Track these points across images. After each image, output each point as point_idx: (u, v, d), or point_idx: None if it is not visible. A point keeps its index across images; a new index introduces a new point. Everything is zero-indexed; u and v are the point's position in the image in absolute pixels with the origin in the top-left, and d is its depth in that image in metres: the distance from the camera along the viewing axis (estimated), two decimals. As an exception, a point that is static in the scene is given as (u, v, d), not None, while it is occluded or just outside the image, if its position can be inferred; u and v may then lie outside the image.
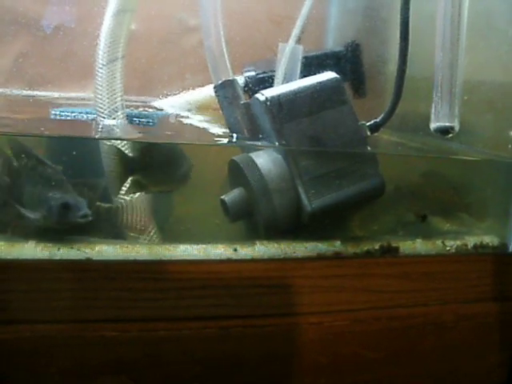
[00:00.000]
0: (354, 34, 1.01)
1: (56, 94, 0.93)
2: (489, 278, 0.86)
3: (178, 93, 0.91)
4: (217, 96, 0.79)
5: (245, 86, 0.90)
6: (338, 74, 0.80)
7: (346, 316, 0.79)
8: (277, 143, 0.76)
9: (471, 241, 0.87)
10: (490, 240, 0.88)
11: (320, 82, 0.78)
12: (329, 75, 0.79)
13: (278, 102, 0.75)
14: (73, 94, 0.95)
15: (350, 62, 0.96)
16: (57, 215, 0.71)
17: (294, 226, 0.79)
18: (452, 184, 0.96)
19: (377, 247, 0.82)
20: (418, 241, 0.85)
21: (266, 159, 0.78)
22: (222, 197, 0.80)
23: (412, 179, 0.96)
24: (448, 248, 0.86)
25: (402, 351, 0.82)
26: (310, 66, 0.86)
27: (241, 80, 0.90)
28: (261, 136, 0.78)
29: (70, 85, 0.94)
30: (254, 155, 0.79)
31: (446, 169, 0.96)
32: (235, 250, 0.76)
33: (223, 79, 0.78)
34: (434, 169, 0.97)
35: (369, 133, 0.79)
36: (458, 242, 0.87)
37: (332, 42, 1.09)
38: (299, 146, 0.76)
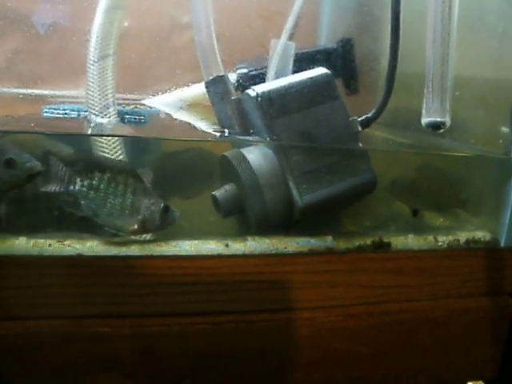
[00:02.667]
0: (347, 31, 1.01)
1: (49, 92, 0.93)
2: (481, 273, 0.86)
3: (170, 90, 0.91)
4: (208, 92, 0.79)
5: (237, 84, 0.90)
6: (330, 70, 0.80)
7: (339, 311, 0.79)
8: (268, 139, 0.76)
9: (463, 236, 0.88)
10: (481, 235, 0.88)
11: (311, 78, 0.78)
12: (319, 71, 0.79)
13: (268, 98, 0.75)
14: (66, 92, 0.94)
15: (342, 59, 0.96)
16: (159, 220, 0.73)
17: (286, 221, 0.79)
18: (446, 178, 0.96)
19: (369, 242, 0.83)
20: (410, 236, 0.85)
21: (257, 155, 0.78)
22: (214, 193, 0.80)
23: (404, 174, 0.96)
24: (440, 243, 0.86)
25: (394, 346, 0.82)
26: (303, 63, 0.86)
27: (233, 77, 0.91)
28: (252, 131, 0.78)
29: (63, 82, 0.93)
30: (245, 151, 0.79)
31: (439, 165, 0.96)
32: (227, 245, 0.76)
33: (214, 75, 0.78)
34: (428, 162, 0.97)
35: (360, 128, 0.79)
36: (450, 238, 0.87)
37: (325, 39, 1.08)
38: (290, 141, 0.76)
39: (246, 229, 0.81)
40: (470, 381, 0.89)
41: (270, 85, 0.77)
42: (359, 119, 0.79)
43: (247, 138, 0.79)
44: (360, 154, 0.80)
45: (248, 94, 0.76)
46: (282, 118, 0.75)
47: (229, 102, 0.79)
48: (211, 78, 0.78)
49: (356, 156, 0.80)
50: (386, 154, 0.92)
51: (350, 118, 0.79)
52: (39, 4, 0.84)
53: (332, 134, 0.78)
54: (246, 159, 0.77)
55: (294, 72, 0.84)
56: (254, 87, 0.76)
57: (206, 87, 0.79)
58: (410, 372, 0.85)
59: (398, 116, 0.94)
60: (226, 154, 0.80)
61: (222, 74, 0.78)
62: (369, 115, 0.79)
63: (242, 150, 0.79)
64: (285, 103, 0.76)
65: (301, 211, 0.77)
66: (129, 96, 0.91)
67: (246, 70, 0.91)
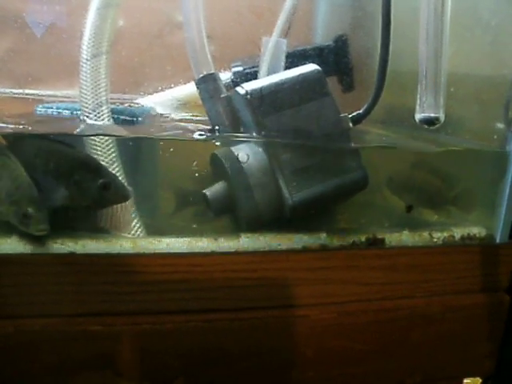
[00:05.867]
0: (342, 28, 1.00)
1: (43, 92, 0.93)
2: (476, 269, 0.85)
3: (163, 89, 0.92)
4: (198, 90, 0.79)
5: (232, 82, 0.90)
6: (325, 68, 0.80)
7: (333, 309, 0.79)
8: (258, 136, 0.76)
9: (458, 232, 0.87)
10: (477, 231, 0.88)
11: (301, 74, 0.77)
12: (309, 67, 0.78)
13: (258, 95, 0.75)
14: (62, 92, 0.94)
15: (338, 56, 0.96)
16: None
17: (277, 219, 0.79)
18: (441, 175, 0.96)
19: (363, 239, 0.82)
20: (405, 232, 0.85)
21: (247, 153, 0.78)
22: (204, 191, 0.80)
23: (399, 171, 0.96)
24: (435, 240, 0.86)
25: (389, 343, 0.82)
26: (298, 60, 0.86)
27: (228, 75, 0.91)
28: (242, 129, 0.78)
29: (58, 82, 0.94)
30: (235, 149, 0.79)
31: (434, 161, 0.96)
32: (219, 242, 0.76)
33: (204, 73, 0.78)
34: (423, 159, 0.97)
35: (351, 124, 0.78)
36: (445, 234, 0.86)
37: (320, 36, 1.08)
38: (280, 138, 0.76)
39: (238, 227, 0.81)
40: (467, 377, 0.89)
41: (259, 82, 0.77)
42: (350, 116, 0.78)
43: (237, 135, 0.79)
44: (351, 151, 0.80)
45: (237, 92, 0.75)
46: (272, 115, 0.75)
47: (219, 100, 0.78)
48: (201, 75, 0.78)
49: (347, 153, 0.80)
50: (380, 150, 0.92)
51: (341, 115, 0.78)
52: (31, 4, 0.84)
53: (323, 130, 0.77)
54: (235, 157, 0.77)
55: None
56: (243, 85, 0.75)
57: (197, 85, 0.79)
58: (405, 369, 0.85)
59: (394, 113, 0.94)
60: (216, 152, 0.80)
61: (212, 71, 0.78)
62: (360, 111, 0.78)
63: (232, 148, 0.79)
64: (274, 100, 0.75)
65: (291, 209, 0.77)
66: (122, 95, 0.91)
67: (241, 68, 0.91)
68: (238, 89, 0.75)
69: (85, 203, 0.74)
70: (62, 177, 0.73)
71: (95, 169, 0.74)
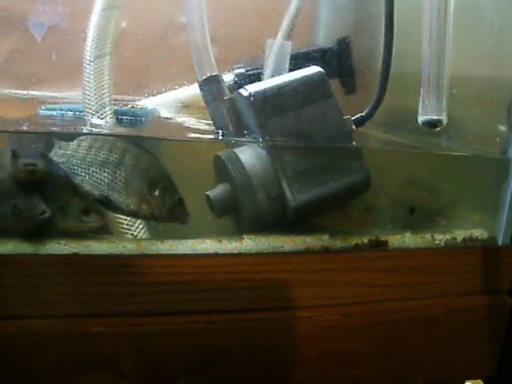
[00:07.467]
0: (345, 30, 1.01)
1: (48, 94, 0.94)
2: (478, 271, 0.85)
3: (166, 90, 0.92)
4: (202, 91, 0.79)
5: (234, 83, 0.90)
6: (328, 70, 0.80)
7: (336, 310, 0.79)
8: (261, 138, 0.76)
9: (460, 234, 0.87)
10: (479, 233, 0.88)
11: (304, 77, 0.78)
12: (313, 69, 0.78)
13: (261, 97, 0.75)
14: (66, 94, 0.95)
15: (340, 58, 0.96)
16: None
17: (279, 221, 0.79)
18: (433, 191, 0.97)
19: (365, 241, 0.82)
20: (407, 235, 0.85)
21: (249, 154, 0.78)
22: (207, 192, 0.80)
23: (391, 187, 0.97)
24: (437, 242, 0.86)
25: (391, 345, 0.82)
26: (301, 62, 0.86)
27: (230, 77, 0.91)
28: (245, 131, 0.78)
29: (62, 84, 0.94)
30: (237, 150, 0.79)
31: (435, 165, 0.96)
32: (223, 244, 0.76)
33: (208, 75, 0.78)
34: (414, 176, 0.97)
35: (354, 127, 0.78)
36: (447, 236, 0.87)
37: (323, 38, 1.08)
38: (283, 140, 0.76)
39: (241, 228, 0.81)
40: (469, 379, 0.89)
41: (262, 84, 0.77)
42: (353, 118, 0.79)
43: (241, 139, 0.79)
44: (353, 153, 0.80)
45: (241, 94, 0.76)
46: (275, 117, 0.75)
47: (222, 102, 0.79)
48: (205, 77, 0.78)
49: (349, 155, 0.80)
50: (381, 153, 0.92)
51: (344, 117, 0.78)
52: (35, 5, 0.84)
53: (325, 132, 0.78)
54: (238, 159, 0.77)
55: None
56: (246, 86, 0.76)
57: (200, 87, 0.79)
58: (407, 371, 0.85)
59: (396, 116, 0.95)
60: (219, 153, 0.80)
61: (215, 73, 0.78)
62: (363, 114, 0.79)
63: (235, 149, 0.79)
64: (278, 102, 0.75)
65: (294, 211, 0.77)
66: (125, 96, 0.91)
67: (243, 70, 0.91)
68: (242, 91, 0.75)
69: (156, 214, 0.73)
70: (149, 184, 0.72)
71: (174, 183, 0.73)
